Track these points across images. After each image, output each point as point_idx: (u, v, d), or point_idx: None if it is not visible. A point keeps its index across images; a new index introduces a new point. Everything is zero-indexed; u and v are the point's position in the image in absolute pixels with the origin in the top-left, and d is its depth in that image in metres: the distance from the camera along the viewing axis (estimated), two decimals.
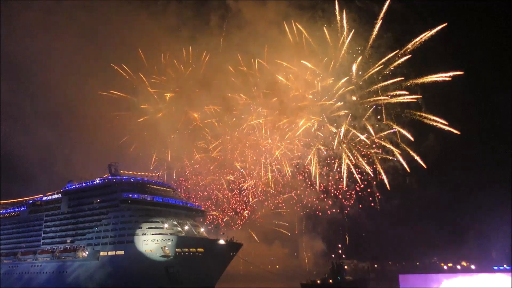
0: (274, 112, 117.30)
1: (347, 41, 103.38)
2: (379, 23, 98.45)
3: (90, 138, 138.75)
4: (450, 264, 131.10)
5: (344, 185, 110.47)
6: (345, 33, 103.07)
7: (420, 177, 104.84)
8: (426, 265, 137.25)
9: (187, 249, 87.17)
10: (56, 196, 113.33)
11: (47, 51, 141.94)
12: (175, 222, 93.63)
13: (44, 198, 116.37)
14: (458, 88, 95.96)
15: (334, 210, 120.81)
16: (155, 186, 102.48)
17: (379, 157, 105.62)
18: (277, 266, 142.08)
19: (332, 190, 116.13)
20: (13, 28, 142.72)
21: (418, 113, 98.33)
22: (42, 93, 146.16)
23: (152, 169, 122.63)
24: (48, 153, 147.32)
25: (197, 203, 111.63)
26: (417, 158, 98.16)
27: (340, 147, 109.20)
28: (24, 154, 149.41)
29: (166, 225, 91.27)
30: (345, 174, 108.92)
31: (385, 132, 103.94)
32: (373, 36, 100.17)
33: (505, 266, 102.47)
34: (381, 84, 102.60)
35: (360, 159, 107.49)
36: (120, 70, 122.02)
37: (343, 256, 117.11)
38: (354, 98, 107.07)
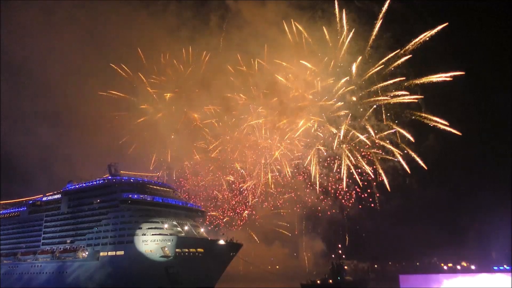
0: (274, 112, 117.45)
1: (347, 41, 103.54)
2: (379, 23, 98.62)
3: (90, 138, 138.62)
4: (450, 264, 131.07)
5: (344, 185, 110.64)
6: (344, 33, 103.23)
7: (420, 177, 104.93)
8: (426, 265, 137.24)
9: (187, 250, 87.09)
10: (56, 196, 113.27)
11: (47, 51, 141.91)
12: (175, 223, 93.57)
13: (44, 199, 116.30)
14: (458, 88, 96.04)
15: (334, 211, 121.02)
16: (155, 187, 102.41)
17: (379, 158, 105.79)
18: (277, 267, 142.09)
19: (332, 191, 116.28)
20: (13, 28, 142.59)
21: (418, 113, 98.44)
22: (42, 93, 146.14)
23: (152, 170, 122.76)
24: (48, 153, 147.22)
25: (197, 204, 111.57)
26: (417, 158, 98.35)
27: (340, 148, 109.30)
28: (24, 154, 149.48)
29: (166, 226, 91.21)
30: (345, 175, 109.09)
31: (385, 133, 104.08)
32: (373, 36, 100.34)
33: (505, 266, 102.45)
34: (381, 84, 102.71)
35: (360, 160, 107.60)
36: (119, 70, 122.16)
37: (343, 256, 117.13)
38: (354, 98, 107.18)
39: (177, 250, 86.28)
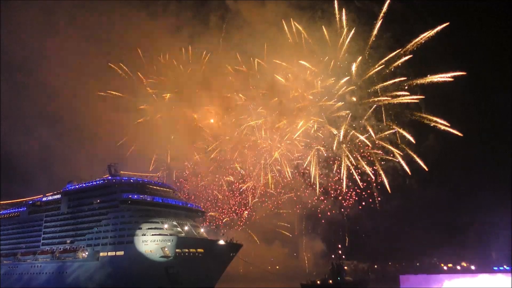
0: (274, 113, 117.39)
1: (347, 41, 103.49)
2: (379, 23, 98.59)
3: (90, 138, 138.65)
4: (450, 265, 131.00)
5: (344, 186, 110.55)
6: (344, 33, 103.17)
7: (420, 177, 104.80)
8: (426, 266, 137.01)
9: (187, 250, 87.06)
10: (56, 196, 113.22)
11: (47, 51, 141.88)
12: (175, 223, 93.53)
13: (44, 199, 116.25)
14: (458, 88, 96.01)
15: (334, 211, 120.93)
16: (155, 187, 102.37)
17: (379, 158, 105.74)
18: (277, 267, 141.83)
19: (332, 192, 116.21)
20: (13, 28, 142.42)
21: (418, 113, 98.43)
22: (42, 93, 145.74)
23: (151, 170, 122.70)
24: (48, 153, 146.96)
25: (196, 204, 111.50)
26: (417, 159, 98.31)
27: (339, 148, 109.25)
28: (24, 154, 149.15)
29: (166, 226, 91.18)
30: (344, 175, 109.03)
31: (385, 133, 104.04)
32: (372, 37, 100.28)
33: (505, 266, 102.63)
34: (382, 85, 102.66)
35: (360, 160, 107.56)
36: (119, 70, 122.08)
37: (343, 256, 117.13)
38: (354, 99, 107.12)
39: (177, 250, 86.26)
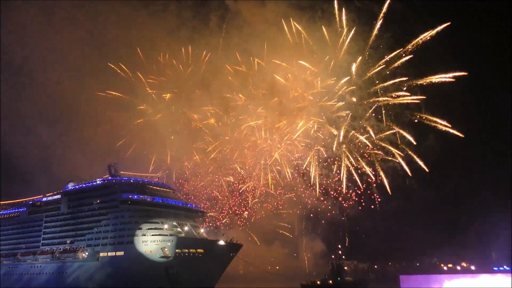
0: (274, 113, 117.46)
1: (347, 41, 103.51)
2: (379, 23, 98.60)
3: (90, 138, 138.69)
4: (450, 265, 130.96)
5: (344, 186, 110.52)
6: (344, 33, 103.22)
7: (420, 177, 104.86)
8: (426, 266, 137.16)
9: (187, 250, 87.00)
10: (56, 196, 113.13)
11: (47, 51, 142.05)
12: (175, 223, 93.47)
13: (44, 199, 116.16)
14: (458, 88, 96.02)
15: (334, 212, 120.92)
16: (155, 187, 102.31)
17: (379, 158, 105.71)
18: (277, 267, 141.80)
19: (332, 192, 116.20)
20: (13, 28, 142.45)
21: (418, 114, 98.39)
22: (42, 93, 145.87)
23: (151, 170, 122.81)
24: (48, 153, 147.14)
25: (196, 204, 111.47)
26: (417, 160, 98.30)
27: (339, 148, 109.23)
28: (24, 154, 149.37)
29: (166, 226, 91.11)
30: (344, 176, 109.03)
31: (385, 133, 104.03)
32: (372, 37, 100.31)
33: (505, 266, 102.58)
34: (382, 85, 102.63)
35: (360, 161, 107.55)
36: (118, 70, 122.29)
37: (343, 257, 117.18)
38: (354, 99, 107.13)
39: (177, 250, 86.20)
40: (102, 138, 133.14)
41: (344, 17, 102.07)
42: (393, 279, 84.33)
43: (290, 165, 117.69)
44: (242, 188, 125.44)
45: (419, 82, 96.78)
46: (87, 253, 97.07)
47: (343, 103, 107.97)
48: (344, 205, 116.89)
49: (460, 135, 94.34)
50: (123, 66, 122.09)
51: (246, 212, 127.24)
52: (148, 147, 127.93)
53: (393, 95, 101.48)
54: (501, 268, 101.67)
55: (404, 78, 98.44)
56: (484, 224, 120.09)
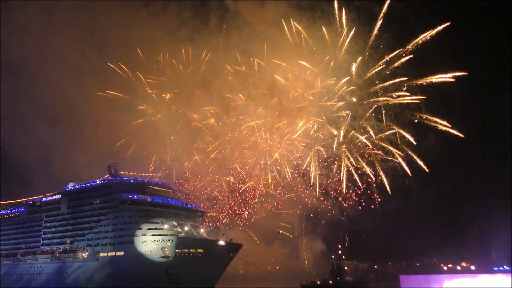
0: (274, 113, 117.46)
1: (347, 41, 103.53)
2: (378, 23, 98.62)
3: (89, 138, 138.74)
4: (450, 265, 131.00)
5: (344, 186, 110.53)
6: (344, 33, 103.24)
7: (420, 177, 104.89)
8: (426, 266, 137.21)
9: (187, 250, 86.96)
10: (56, 196, 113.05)
11: (47, 51, 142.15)
12: (175, 223, 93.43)
13: (44, 199, 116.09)
14: (458, 88, 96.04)
15: (333, 212, 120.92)
16: (155, 187, 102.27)
17: (379, 158, 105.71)
18: (277, 267, 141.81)
19: (332, 192, 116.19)
20: (13, 28, 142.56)
21: (418, 114, 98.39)
22: (42, 93, 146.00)
23: (152, 170, 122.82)
24: (48, 153, 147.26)
25: (196, 204, 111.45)
26: (418, 161, 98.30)
27: (339, 149, 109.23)
28: (24, 154, 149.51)
29: (166, 226, 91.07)
30: (344, 176, 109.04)
31: (385, 133, 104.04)
32: (372, 37, 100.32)
33: (505, 266, 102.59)
34: (382, 85, 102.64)
35: (360, 161, 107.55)
36: (118, 70, 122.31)
37: (343, 257, 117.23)
38: (354, 99, 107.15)
39: (177, 250, 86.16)
40: (102, 138, 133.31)
41: (344, 17, 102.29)
42: (393, 279, 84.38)
43: (290, 165, 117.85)
44: (242, 188, 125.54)
45: (419, 82, 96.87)
46: (87, 253, 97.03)
47: (343, 103, 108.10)
48: (344, 205, 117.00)
49: (460, 135, 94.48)
50: (123, 66, 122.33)
51: (246, 212, 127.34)
52: (148, 147, 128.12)
53: (393, 95, 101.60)
54: (501, 268, 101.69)
55: (404, 78, 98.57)
56: (484, 224, 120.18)
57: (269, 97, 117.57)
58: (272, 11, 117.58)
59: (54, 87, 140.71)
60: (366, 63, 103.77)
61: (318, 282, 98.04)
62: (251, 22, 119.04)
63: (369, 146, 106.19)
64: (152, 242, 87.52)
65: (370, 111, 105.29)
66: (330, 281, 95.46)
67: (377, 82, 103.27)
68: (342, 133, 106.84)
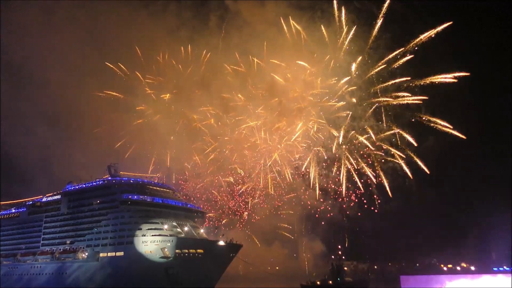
0: (273, 113, 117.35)
1: (347, 41, 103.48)
2: (378, 23, 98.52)
3: (89, 139, 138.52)
4: (450, 265, 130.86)
5: (343, 187, 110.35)
6: (344, 33, 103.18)
7: (420, 178, 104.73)
8: (426, 266, 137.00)
9: (186, 250, 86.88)
10: (55, 197, 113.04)
11: (47, 51, 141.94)
12: (174, 223, 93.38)
13: (44, 199, 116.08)
14: (459, 89, 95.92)
15: (333, 212, 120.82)
16: (154, 187, 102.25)
17: (379, 159, 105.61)
18: (277, 267, 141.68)
19: (332, 193, 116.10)
20: (13, 28, 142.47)
21: (419, 115, 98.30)
22: (42, 93, 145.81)
23: (151, 171, 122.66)
24: (48, 153, 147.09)
25: (196, 205, 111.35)
26: (417, 161, 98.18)
27: (339, 149, 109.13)
28: (24, 154, 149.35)
29: (165, 226, 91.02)
30: (344, 176, 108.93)
31: (385, 134, 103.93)
32: (372, 37, 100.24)
33: (505, 267, 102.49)
34: (382, 85, 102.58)
35: (360, 161, 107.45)
36: (118, 71, 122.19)
37: (343, 257, 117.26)
38: (354, 99, 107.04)
39: (177, 251, 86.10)
40: (102, 138, 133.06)
41: (343, 17, 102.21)
42: (393, 279, 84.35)
43: (290, 165, 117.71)
44: (242, 189, 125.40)
45: (419, 83, 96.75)
46: (87, 254, 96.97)
47: (343, 103, 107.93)
48: (344, 205, 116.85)
49: (462, 136, 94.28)
50: (122, 66, 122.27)
51: (246, 213, 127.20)
52: (147, 147, 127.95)
53: (393, 96, 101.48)
54: (501, 269, 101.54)
55: (404, 79, 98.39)
56: (484, 225, 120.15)
57: (268, 98, 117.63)
58: (272, 11, 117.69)
59: (54, 87, 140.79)
60: (366, 63, 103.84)
61: (318, 283, 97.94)
62: (251, 22, 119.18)
63: (369, 147, 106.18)
64: (152, 243, 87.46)
65: (370, 111, 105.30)
66: (330, 282, 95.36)
67: (377, 82, 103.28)
68: (342, 134, 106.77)
